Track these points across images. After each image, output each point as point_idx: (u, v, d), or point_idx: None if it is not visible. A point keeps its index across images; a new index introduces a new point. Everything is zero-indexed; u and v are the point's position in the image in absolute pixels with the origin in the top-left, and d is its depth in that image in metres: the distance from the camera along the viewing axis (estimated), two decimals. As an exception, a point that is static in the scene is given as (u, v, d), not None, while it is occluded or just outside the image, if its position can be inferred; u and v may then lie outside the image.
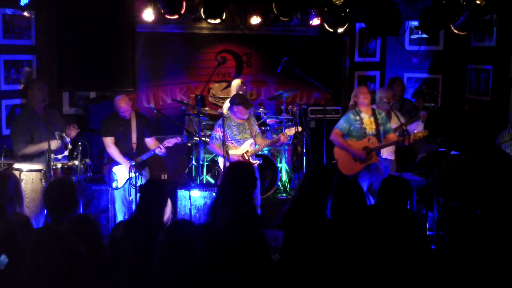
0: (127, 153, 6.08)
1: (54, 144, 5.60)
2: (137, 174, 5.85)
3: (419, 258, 4.15)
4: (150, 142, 6.31)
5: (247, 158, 6.25)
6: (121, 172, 6.10)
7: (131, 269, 3.52)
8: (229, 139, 6.24)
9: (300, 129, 6.40)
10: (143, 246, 3.50)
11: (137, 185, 5.75)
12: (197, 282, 3.01)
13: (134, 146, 6.14)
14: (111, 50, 6.80)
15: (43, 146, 5.68)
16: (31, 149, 5.78)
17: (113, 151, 6.11)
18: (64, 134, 5.75)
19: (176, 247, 3.03)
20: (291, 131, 6.30)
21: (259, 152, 6.79)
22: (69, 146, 5.73)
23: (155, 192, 3.95)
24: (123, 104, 6.05)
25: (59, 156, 5.72)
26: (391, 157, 6.81)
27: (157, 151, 6.13)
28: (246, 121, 6.34)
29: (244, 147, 6.28)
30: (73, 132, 5.94)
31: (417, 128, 6.99)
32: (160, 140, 6.35)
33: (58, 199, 3.79)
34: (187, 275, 2.99)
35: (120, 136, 6.08)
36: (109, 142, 6.13)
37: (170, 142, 6.15)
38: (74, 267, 2.68)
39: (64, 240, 2.77)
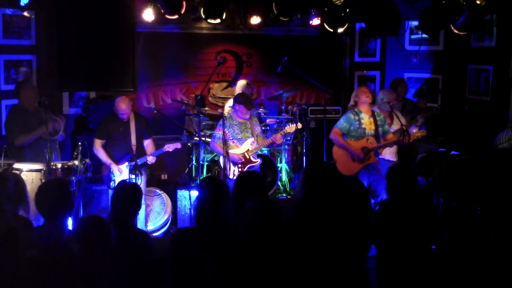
0: (127, 155, 6.08)
1: (46, 128, 5.73)
2: (137, 174, 5.85)
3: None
4: (148, 143, 6.32)
5: (248, 157, 6.26)
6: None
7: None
8: (230, 138, 6.25)
9: (300, 125, 6.41)
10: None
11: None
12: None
13: (134, 147, 6.14)
14: (111, 50, 6.80)
15: (37, 132, 5.90)
16: (26, 137, 5.93)
17: (100, 153, 6.14)
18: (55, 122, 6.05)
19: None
20: (291, 128, 6.30)
21: (259, 152, 6.79)
22: (61, 132, 6.10)
23: (126, 195, 3.89)
24: (123, 106, 6.05)
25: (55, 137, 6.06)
26: (393, 158, 6.80)
27: (149, 159, 6.17)
28: (247, 120, 6.35)
29: (245, 146, 6.28)
30: (61, 124, 6.12)
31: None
32: (160, 141, 6.36)
33: (49, 200, 3.76)
34: None
35: (120, 138, 6.07)
36: (97, 144, 6.15)
37: (170, 147, 6.21)
38: (70, 268, 2.68)
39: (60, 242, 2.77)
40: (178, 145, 6.29)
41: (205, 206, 3.75)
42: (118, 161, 6.13)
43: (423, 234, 4.04)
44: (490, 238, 4.50)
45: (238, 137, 6.28)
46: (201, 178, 6.73)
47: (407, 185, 4.19)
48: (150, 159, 6.19)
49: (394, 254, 4.01)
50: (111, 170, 6.12)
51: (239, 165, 6.23)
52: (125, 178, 6.01)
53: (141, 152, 6.21)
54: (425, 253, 4.03)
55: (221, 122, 6.20)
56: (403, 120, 6.73)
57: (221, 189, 3.86)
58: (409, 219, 4.05)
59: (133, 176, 5.84)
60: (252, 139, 6.30)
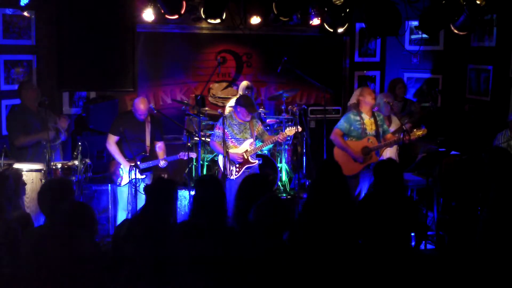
0: (140, 155, 6.12)
1: (47, 135, 5.73)
2: (142, 176, 5.91)
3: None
4: (160, 146, 6.36)
5: (246, 157, 6.26)
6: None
7: (132, 268, 3.51)
8: (229, 137, 6.25)
9: (300, 129, 6.40)
10: (145, 246, 3.51)
11: (139, 186, 5.82)
12: None
13: (148, 149, 6.20)
14: (111, 50, 6.80)
15: (38, 136, 5.89)
16: (27, 139, 5.94)
17: (114, 150, 6.15)
18: (57, 126, 6.02)
19: None
20: (291, 131, 6.30)
21: (259, 152, 6.78)
22: (63, 135, 6.08)
23: (162, 192, 3.87)
24: (142, 106, 6.08)
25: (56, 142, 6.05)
26: (394, 158, 6.80)
27: (161, 163, 6.21)
28: (247, 122, 6.35)
29: (243, 147, 6.29)
30: (64, 123, 6.12)
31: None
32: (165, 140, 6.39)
33: (53, 200, 3.76)
34: None
35: (135, 137, 6.11)
36: (112, 140, 6.16)
37: (185, 155, 6.29)
38: (76, 265, 2.68)
39: (65, 239, 2.77)
40: (193, 155, 6.43)
41: (202, 204, 3.78)
42: (130, 160, 6.15)
43: (403, 228, 4.11)
44: (477, 232, 4.57)
45: (237, 137, 6.28)
46: (198, 176, 6.74)
47: (393, 179, 4.34)
48: (163, 163, 6.24)
49: (375, 246, 4.06)
50: (120, 167, 6.14)
51: (237, 165, 6.23)
52: (131, 176, 6.03)
53: (153, 153, 6.25)
54: (405, 247, 4.11)
55: (221, 120, 6.20)
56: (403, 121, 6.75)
57: (218, 188, 3.89)
58: (391, 212, 4.15)
59: (138, 176, 5.87)
60: (251, 140, 6.30)
